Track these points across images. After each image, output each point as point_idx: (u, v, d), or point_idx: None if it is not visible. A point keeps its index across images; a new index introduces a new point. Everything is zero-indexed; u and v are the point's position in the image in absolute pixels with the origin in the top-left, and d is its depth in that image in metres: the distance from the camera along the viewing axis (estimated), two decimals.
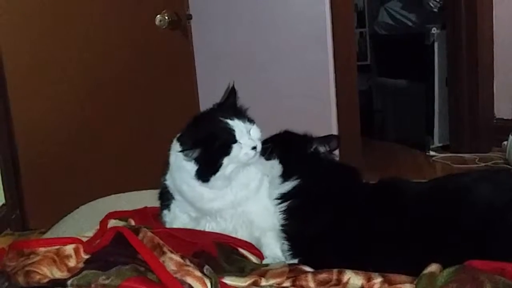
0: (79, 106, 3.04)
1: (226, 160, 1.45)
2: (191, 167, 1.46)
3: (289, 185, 1.53)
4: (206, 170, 1.46)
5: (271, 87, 3.57)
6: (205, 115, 1.55)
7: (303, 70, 3.56)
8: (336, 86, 3.62)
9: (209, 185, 1.48)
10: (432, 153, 4.38)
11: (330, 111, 3.63)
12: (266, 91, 3.56)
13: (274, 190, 1.54)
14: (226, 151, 1.45)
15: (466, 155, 4.19)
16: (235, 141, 1.45)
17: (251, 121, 1.51)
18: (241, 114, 1.51)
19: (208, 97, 3.30)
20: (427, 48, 4.42)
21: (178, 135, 1.55)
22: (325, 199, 1.48)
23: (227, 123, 1.46)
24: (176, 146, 1.51)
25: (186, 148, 1.44)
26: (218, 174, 1.46)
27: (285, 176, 1.54)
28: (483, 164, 3.96)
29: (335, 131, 3.60)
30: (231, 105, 1.53)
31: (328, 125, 3.56)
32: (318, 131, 1.65)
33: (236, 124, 1.47)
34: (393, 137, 4.97)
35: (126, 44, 2.98)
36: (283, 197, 1.52)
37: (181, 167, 1.49)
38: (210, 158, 1.45)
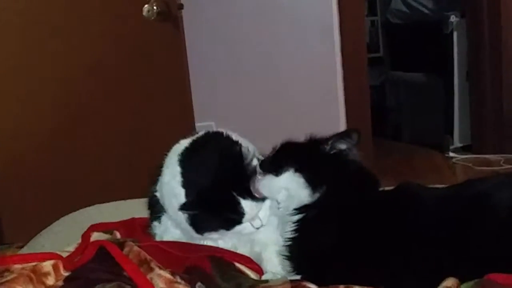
0: (59, 109, 3.04)
1: (223, 232, 1.49)
2: None
3: (317, 196, 1.48)
4: (200, 227, 1.49)
5: (271, 83, 3.58)
6: (218, 182, 1.49)
7: (307, 63, 3.57)
8: (345, 82, 3.62)
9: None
10: (452, 154, 4.39)
11: (337, 109, 3.63)
12: (265, 88, 3.56)
13: (298, 203, 1.50)
14: (227, 227, 1.48)
15: (490, 156, 4.19)
16: (240, 223, 1.48)
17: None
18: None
19: (202, 95, 3.33)
20: (445, 38, 4.44)
21: (183, 142, 1.57)
22: (341, 215, 1.47)
23: (238, 202, 1.47)
24: (173, 158, 1.52)
25: (188, 209, 1.47)
26: (211, 235, 1.50)
27: (313, 186, 1.49)
28: (509, 166, 3.96)
29: None
30: (244, 177, 1.51)
31: (335, 124, 3.56)
32: (325, 132, 1.64)
33: (247, 206, 1.47)
34: (408, 137, 4.99)
35: (111, 38, 2.97)
36: (301, 209, 1.48)
37: (177, 195, 1.49)
38: (208, 223, 1.48)
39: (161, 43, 2.93)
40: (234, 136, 1.58)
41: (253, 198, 1.48)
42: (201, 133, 1.62)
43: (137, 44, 2.96)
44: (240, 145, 1.53)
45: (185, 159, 1.53)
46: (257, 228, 1.50)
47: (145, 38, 2.93)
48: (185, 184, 1.48)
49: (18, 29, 2.96)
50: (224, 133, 1.58)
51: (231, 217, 1.47)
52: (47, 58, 3.00)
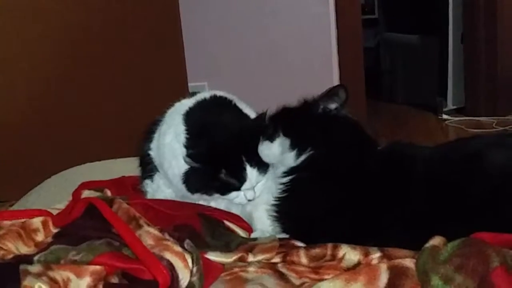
0: (51, 68, 3.03)
1: (216, 195, 1.47)
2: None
3: (301, 159, 1.47)
4: (193, 184, 1.47)
5: (265, 44, 3.55)
6: (231, 142, 1.46)
7: (302, 25, 3.54)
8: (339, 43, 3.60)
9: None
10: (445, 116, 4.39)
11: (331, 71, 3.61)
12: (259, 49, 3.54)
13: (286, 166, 1.49)
14: (222, 192, 1.46)
15: (483, 119, 4.19)
16: (238, 189, 1.46)
17: (265, 170, 1.49)
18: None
19: (195, 55, 3.30)
20: None
21: (186, 102, 1.53)
22: (334, 176, 1.45)
23: (244, 168, 1.45)
24: (177, 118, 1.49)
25: (193, 158, 1.42)
26: (203, 197, 1.49)
27: (298, 149, 1.48)
28: (501, 128, 3.97)
29: None
30: (256, 145, 1.49)
31: (329, 86, 3.52)
32: (318, 93, 1.62)
33: (251, 174, 1.46)
34: (402, 99, 4.98)
35: None
36: (290, 171, 1.48)
37: (178, 155, 1.46)
38: (203, 181, 1.45)
39: (154, 2, 2.90)
40: (237, 101, 1.56)
41: (259, 168, 1.47)
42: (204, 94, 1.57)
43: (129, 4, 2.93)
44: (264, 113, 1.50)
45: (193, 118, 1.49)
46: (249, 200, 1.48)
47: None
48: (191, 140, 1.45)
49: None
50: (232, 99, 1.55)
51: (231, 182, 1.45)
52: (41, 15, 2.98)
